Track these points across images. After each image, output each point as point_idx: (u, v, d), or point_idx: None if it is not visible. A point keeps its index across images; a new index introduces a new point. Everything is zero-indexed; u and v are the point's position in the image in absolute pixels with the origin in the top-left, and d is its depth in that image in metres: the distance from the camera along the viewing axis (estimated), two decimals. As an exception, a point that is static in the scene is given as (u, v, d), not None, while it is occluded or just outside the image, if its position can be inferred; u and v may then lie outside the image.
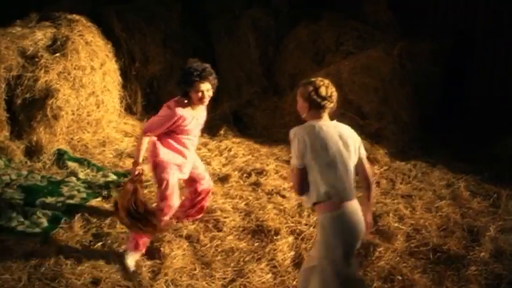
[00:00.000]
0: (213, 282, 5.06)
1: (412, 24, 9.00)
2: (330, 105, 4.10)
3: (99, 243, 5.55)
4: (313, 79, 4.15)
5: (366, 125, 7.92)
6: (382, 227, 5.80)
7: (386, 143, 7.77)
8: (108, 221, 5.92)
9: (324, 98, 4.05)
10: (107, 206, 6.27)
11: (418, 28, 8.90)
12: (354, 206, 4.05)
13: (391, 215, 6.03)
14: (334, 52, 8.94)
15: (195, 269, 5.21)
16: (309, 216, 6.05)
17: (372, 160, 7.36)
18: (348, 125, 4.21)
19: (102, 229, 5.79)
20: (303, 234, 5.72)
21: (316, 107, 4.07)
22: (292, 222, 5.97)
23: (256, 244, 5.62)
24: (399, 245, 5.51)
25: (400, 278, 5.03)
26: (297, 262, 5.31)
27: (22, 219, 5.95)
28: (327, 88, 4.08)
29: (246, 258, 5.38)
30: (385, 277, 5.05)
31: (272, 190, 6.70)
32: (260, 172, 7.16)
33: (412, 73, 8.11)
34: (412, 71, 8.13)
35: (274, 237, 5.65)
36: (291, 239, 5.66)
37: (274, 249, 5.47)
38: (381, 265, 5.19)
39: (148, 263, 5.26)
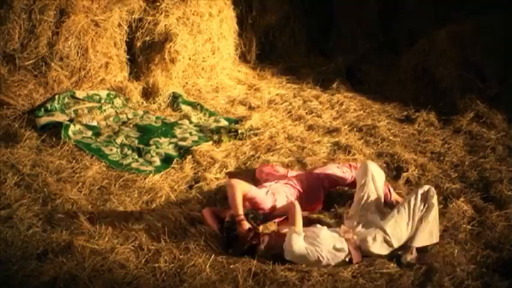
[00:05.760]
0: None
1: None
2: None
3: (206, 186, 5.69)
4: None
5: (485, 88, 7.53)
6: (494, 194, 5.58)
7: (505, 108, 7.36)
8: (217, 165, 6.04)
9: None
10: (217, 150, 6.40)
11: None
12: None
13: (504, 182, 5.76)
14: (457, 10, 8.55)
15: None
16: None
17: (489, 125, 7.07)
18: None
19: (211, 172, 5.91)
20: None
21: None
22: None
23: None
24: (511, 213, 5.27)
25: (510, 248, 4.80)
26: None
27: (137, 157, 6.21)
28: None
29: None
30: (494, 246, 4.86)
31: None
32: (371, 128, 7.06)
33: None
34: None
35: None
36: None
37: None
38: (491, 234, 5.00)
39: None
